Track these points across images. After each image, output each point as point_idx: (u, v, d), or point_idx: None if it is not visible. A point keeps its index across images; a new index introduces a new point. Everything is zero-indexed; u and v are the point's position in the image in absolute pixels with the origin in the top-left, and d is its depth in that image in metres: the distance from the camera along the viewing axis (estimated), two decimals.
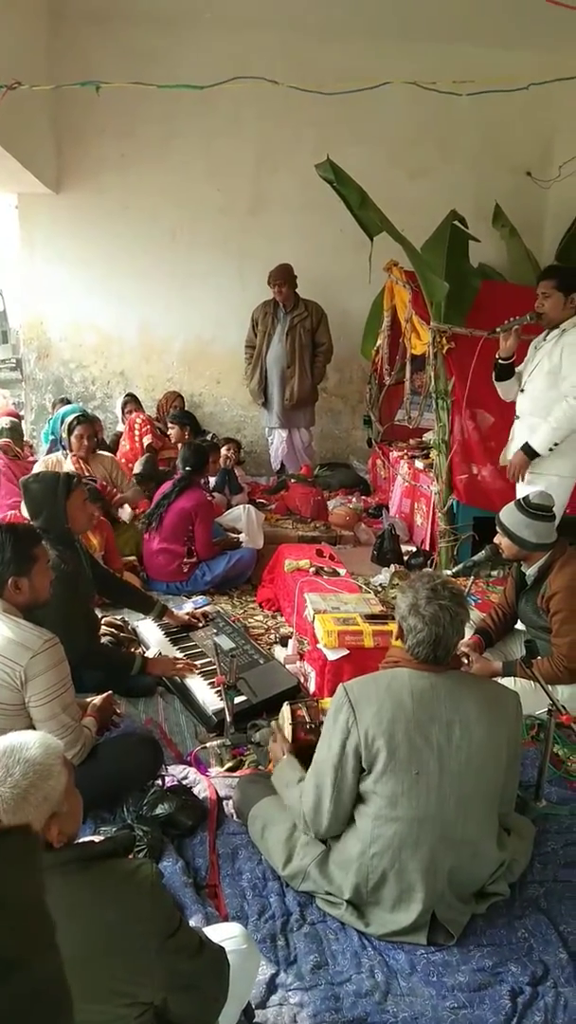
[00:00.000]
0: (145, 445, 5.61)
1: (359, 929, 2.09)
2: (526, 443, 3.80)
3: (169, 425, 5.99)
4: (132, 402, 6.17)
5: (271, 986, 1.94)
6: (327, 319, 6.35)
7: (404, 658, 2.13)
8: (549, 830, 2.54)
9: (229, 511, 5.16)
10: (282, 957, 2.03)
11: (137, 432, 5.69)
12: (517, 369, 3.98)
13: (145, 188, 6.68)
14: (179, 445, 5.74)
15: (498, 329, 3.89)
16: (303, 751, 2.45)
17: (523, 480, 3.88)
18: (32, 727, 2.25)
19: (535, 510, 3.15)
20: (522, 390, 3.94)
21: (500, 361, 3.96)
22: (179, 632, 3.70)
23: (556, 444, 3.72)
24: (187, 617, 3.78)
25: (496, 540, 3.32)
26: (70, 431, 4.70)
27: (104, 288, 6.89)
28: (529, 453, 3.78)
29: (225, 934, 1.69)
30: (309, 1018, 1.85)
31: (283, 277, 6.17)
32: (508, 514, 3.21)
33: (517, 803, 2.50)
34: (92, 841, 1.47)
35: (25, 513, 3.15)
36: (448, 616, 2.05)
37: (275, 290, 6.21)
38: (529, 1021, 1.87)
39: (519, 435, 3.97)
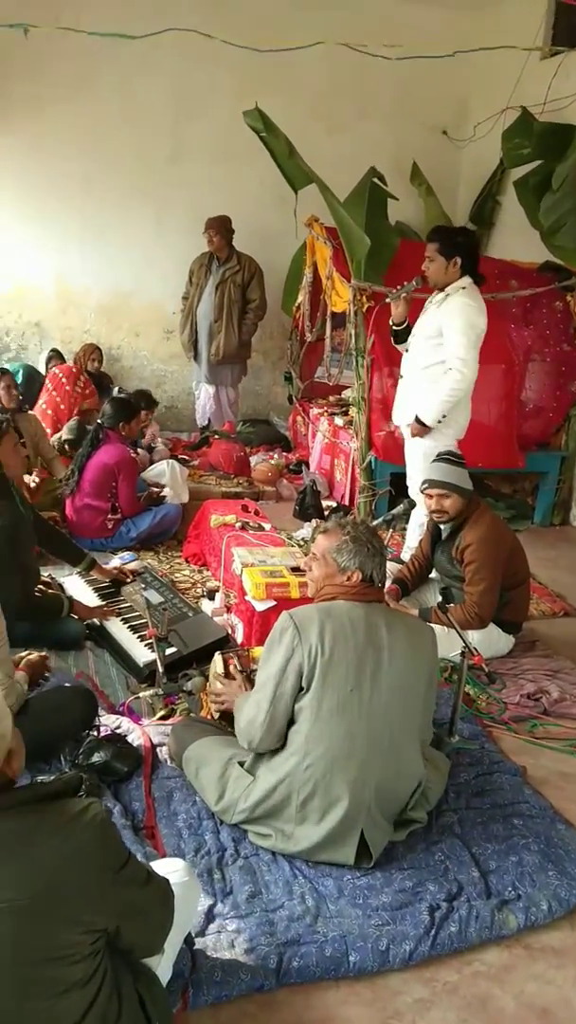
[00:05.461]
0: (82, 409, 5.54)
1: (289, 853, 2.23)
2: (416, 415, 3.85)
3: None
4: (56, 358, 6.06)
5: (209, 916, 2.06)
6: (261, 275, 6.20)
7: (338, 590, 2.29)
8: (462, 763, 2.75)
9: (153, 466, 5.16)
10: (219, 889, 2.15)
11: (66, 382, 5.60)
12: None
13: (58, 131, 6.39)
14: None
15: (388, 298, 3.94)
16: None
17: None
18: None
19: (456, 458, 3.37)
20: (406, 350, 3.98)
21: (394, 327, 4.00)
22: (108, 588, 3.73)
23: (444, 416, 3.80)
24: (115, 571, 3.80)
25: (433, 505, 3.36)
26: None
27: (17, 235, 6.61)
28: (421, 423, 3.84)
29: (168, 868, 1.79)
30: (246, 942, 1.98)
31: (215, 226, 6.00)
32: (440, 471, 3.34)
33: (433, 739, 2.69)
34: (42, 782, 1.53)
35: None
36: (376, 543, 2.33)
37: (206, 238, 6.05)
38: (445, 931, 2.06)
39: (402, 395, 4.04)
